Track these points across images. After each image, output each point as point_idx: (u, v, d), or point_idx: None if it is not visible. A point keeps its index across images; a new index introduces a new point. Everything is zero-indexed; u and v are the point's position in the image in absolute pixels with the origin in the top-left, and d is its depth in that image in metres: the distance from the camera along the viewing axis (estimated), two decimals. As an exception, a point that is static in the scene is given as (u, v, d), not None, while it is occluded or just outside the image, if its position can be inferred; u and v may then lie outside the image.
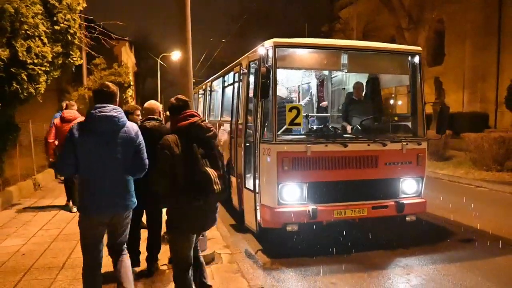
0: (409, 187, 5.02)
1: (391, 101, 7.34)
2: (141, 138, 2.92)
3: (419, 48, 5.30)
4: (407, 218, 4.97)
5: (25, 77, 5.37)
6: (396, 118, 5.98)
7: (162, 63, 30.18)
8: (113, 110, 2.77)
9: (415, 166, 4.99)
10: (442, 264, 4.42)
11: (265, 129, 4.70)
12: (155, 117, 3.87)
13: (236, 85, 6.03)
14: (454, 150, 12.71)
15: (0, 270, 3.94)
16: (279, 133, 4.58)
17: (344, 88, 6.44)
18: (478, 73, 19.39)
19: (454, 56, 20.33)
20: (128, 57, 26.88)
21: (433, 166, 11.39)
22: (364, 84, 5.82)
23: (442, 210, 6.46)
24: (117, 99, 2.95)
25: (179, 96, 3.10)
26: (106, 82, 2.95)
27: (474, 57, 19.38)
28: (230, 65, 6.60)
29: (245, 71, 5.31)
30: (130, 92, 15.83)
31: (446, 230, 5.69)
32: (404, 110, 6.20)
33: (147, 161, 2.92)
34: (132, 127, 2.89)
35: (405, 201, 4.90)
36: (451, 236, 5.43)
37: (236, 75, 6.04)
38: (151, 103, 4.01)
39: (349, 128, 5.46)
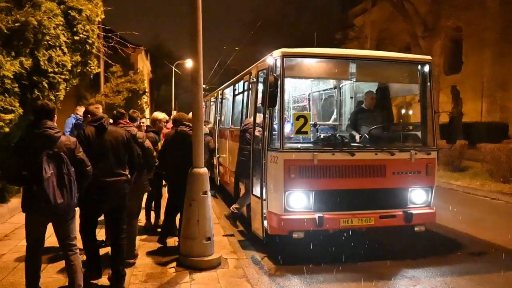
0: (418, 197, 4.97)
1: (402, 111, 7.30)
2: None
3: (429, 57, 5.29)
4: (415, 229, 4.92)
5: (46, 85, 5.66)
6: (407, 127, 5.96)
7: (176, 70, 30.71)
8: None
9: (424, 176, 4.95)
10: (451, 276, 4.35)
11: (273, 137, 4.76)
12: (186, 123, 4.94)
13: (245, 93, 6.14)
14: (470, 160, 12.43)
15: (13, 273, 4.11)
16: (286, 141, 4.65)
17: (352, 97, 6.46)
18: (497, 81, 18.98)
19: (472, 64, 19.99)
20: (144, 64, 27.52)
21: (448, 176, 11.18)
22: (374, 92, 5.83)
23: (454, 222, 6.35)
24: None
25: (119, 110, 4.59)
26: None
27: (493, 65, 18.99)
28: (240, 74, 6.73)
29: (254, 80, 5.42)
30: (145, 98, 16.20)
31: (457, 242, 5.59)
32: (414, 119, 6.16)
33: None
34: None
35: (413, 211, 4.85)
36: (462, 248, 5.33)
37: (246, 83, 6.15)
38: (180, 114, 5.49)
39: (357, 137, 5.47)
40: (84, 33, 6.26)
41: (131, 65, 17.69)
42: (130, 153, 3.87)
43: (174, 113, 11.18)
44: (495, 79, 18.97)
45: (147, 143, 4.52)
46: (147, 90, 17.39)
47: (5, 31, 4.97)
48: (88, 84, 12.63)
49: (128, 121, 4.52)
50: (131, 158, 3.87)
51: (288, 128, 5.13)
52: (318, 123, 6.29)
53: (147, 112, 21.07)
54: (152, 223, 5.84)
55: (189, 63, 28.89)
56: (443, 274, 4.41)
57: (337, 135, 5.44)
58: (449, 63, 21.44)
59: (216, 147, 8.40)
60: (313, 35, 7.88)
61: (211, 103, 10.69)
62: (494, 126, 17.53)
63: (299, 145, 4.97)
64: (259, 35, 21.22)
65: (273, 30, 22.61)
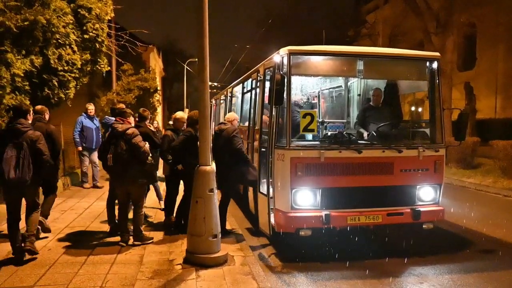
0: (426, 195, 4.93)
1: (410, 108, 7.21)
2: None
3: (437, 53, 5.22)
4: (424, 226, 4.89)
5: (56, 83, 5.76)
6: (415, 124, 5.88)
7: (188, 68, 30.80)
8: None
9: (432, 173, 4.90)
10: (459, 274, 4.31)
11: (279, 134, 4.76)
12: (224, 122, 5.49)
13: (253, 91, 6.15)
14: (483, 158, 12.22)
15: (28, 264, 4.23)
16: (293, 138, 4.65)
17: (359, 95, 6.41)
18: (512, 77, 18.55)
19: (486, 60, 19.54)
20: (156, 62, 27.69)
21: (460, 174, 11.02)
22: (382, 90, 5.78)
23: (464, 219, 6.25)
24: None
25: (123, 108, 5.20)
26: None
27: (508, 61, 18.55)
28: (249, 72, 6.74)
29: (262, 78, 5.42)
30: (157, 97, 16.30)
31: (467, 239, 5.52)
32: (422, 116, 6.09)
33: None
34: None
35: (421, 209, 4.82)
36: (471, 246, 5.26)
37: (254, 81, 6.16)
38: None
39: (365, 134, 5.43)
40: (94, 31, 6.35)
41: (143, 63, 17.81)
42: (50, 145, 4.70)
43: (186, 111, 11.35)
44: (509, 75, 18.51)
45: (135, 140, 4.68)
46: (159, 88, 17.46)
47: (14, 29, 5.05)
48: (100, 83, 12.82)
49: (125, 118, 4.87)
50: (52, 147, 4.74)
51: (295, 125, 5.12)
52: (325, 120, 6.26)
53: (159, 110, 21.22)
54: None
55: (199, 61, 28.91)
56: (451, 271, 4.37)
57: (344, 132, 5.42)
58: (463, 60, 21.00)
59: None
60: (325, 32, 7.80)
61: (221, 101, 10.74)
62: (508, 123, 17.12)
63: (306, 143, 4.96)
64: (271, 32, 21.10)
65: (285, 27, 22.47)
